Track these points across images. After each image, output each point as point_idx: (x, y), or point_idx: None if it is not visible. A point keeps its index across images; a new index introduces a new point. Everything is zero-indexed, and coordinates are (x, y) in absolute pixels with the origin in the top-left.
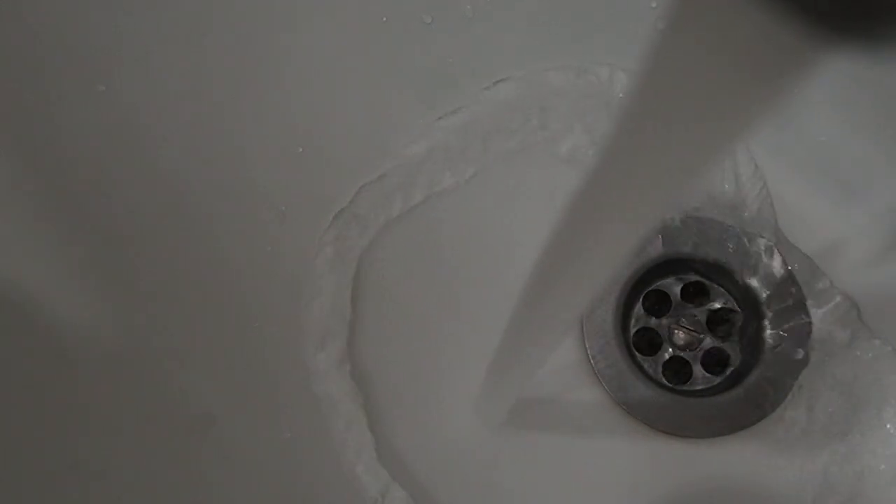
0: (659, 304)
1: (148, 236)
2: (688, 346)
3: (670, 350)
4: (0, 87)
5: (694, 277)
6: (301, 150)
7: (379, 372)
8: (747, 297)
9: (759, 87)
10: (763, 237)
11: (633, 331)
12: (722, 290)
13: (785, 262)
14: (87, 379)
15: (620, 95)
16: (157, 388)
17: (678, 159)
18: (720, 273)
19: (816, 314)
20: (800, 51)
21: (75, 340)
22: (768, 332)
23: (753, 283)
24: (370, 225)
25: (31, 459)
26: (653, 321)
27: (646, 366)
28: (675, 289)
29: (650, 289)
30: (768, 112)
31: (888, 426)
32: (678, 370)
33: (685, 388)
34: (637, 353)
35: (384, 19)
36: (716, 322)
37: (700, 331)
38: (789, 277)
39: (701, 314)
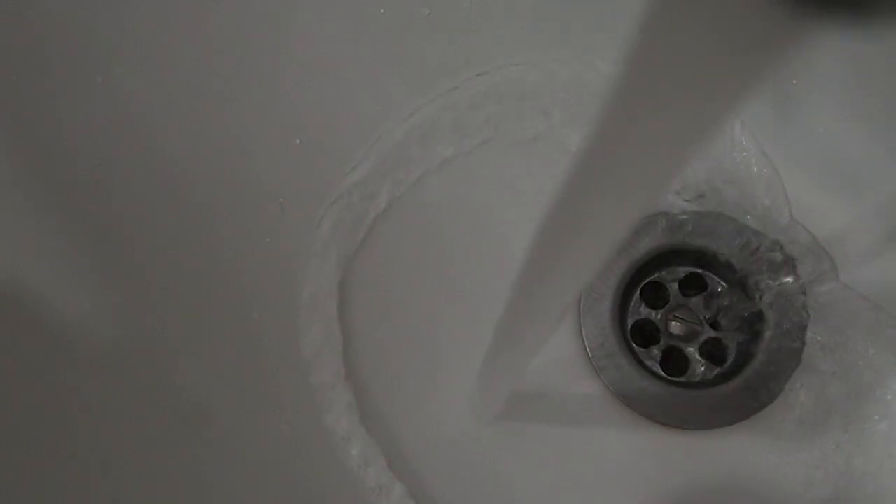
0: (657, 295)
1: (146, 229)
2: (686, 338)
3: (668, 341)
4: None
5: (692, 269)
6: (299, 141)
7: (376, 362)
8: (746, 289)
9: (747, 63)
10: (760, 227)
11: (630, 322)
12: (720, 281)
13: (784, 254)
14: (86, 372)
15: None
16: (156, 380)
17: (667, 141)
18: (718, 264)
19: (816, 304)
20: (788, 25)
21: (74, 333)
22: (767, 322)
23: (752, 274)
24: (366, 215)
25: (31, 452)
26: (651, 313)
27: (644, 357)
28: (673, 280)
29: (648, 280)
30: (757, 89)
31: (889, 414)
32: (676, 362)
33: (683, 379)
34: (635, 345)
35: (382, 11)
36: (714, 313)
37: (698, 322)
38: (789, 268)
39: (699, 306)
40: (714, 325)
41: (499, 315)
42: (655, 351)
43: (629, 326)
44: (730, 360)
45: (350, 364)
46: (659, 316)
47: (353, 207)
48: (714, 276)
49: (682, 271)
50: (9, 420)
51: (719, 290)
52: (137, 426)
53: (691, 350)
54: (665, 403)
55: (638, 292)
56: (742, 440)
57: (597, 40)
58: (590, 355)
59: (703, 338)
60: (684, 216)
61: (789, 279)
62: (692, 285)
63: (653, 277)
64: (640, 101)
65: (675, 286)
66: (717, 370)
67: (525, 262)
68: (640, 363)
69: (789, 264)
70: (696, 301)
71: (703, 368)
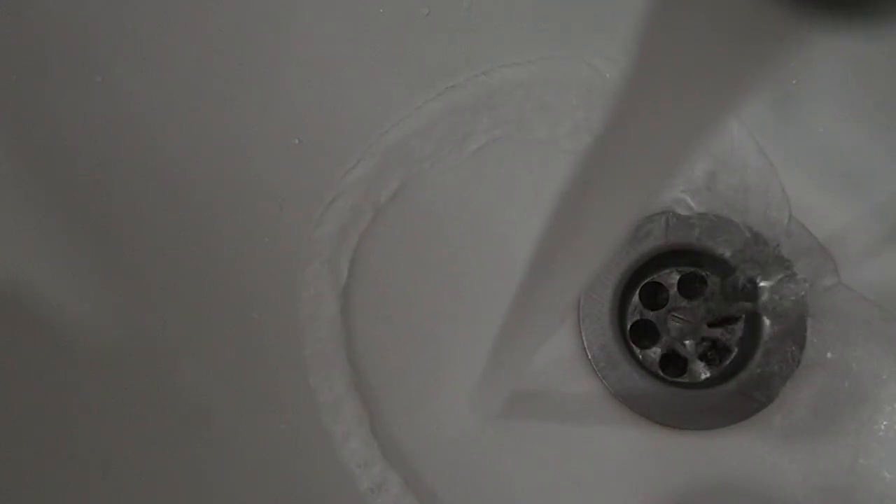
0: (656, 296)
1: (146, 229)
2: (685, 338)
3: (667, 342)
4: None
5: (691, 269)
6: (298, 141)
7: (376, 362)
8: (745, 289)
9: (747, 63)
10: (760, 227)
11: (629, 323)
12: (719, 281)
13: (784, 253)
14: (86, 372)
15: (613, 82)
16: (156, 380)
17: (667, 141)
18: (718, 265)
19: (815, 304)
20: (788, 25)
21: (74, 333)
22: (766, 322)
23: (751, 274)
24: (366, 215)
25: (31, 452)
26: (650, 313)
27: (643, 358)
28: (673, 281)
29: (647, 281)
30: (757, 89)
31: (888, 414)
32: (675, 362)
33: (682, 379)
34: (634, 345)
35: (381, 11)
36: (713, 313)
37: (697, 322)
38: (788, 268)
39: (698, 306)
40: (713, 325)
41: (500, 314)
42: (655, 351)
43: (628, 327)
44: (729, 360)
45: (350, 364)
46: (658, 316)
47: (353, 207)
48: (713, 277)
49: (682, 271)
50: (9, 420)
51: (718, 290)
52: (137, 426)
53: (690, 350)
54: (664, 403)
55: (637, 292)
56: (742, 440)
57: (597, 40)
58: (589, 356)
59: (702, 338)
60: (683, 216)
61: (789, 279)
62: (691, 285)
63: (652, 278)
64: (640, 101)
65: (674, 286)
66: (716, 370)
67: (528, 261)
68: (640, 363)
69: (789, 264)
70: (695, 301)
71: (702, 368)
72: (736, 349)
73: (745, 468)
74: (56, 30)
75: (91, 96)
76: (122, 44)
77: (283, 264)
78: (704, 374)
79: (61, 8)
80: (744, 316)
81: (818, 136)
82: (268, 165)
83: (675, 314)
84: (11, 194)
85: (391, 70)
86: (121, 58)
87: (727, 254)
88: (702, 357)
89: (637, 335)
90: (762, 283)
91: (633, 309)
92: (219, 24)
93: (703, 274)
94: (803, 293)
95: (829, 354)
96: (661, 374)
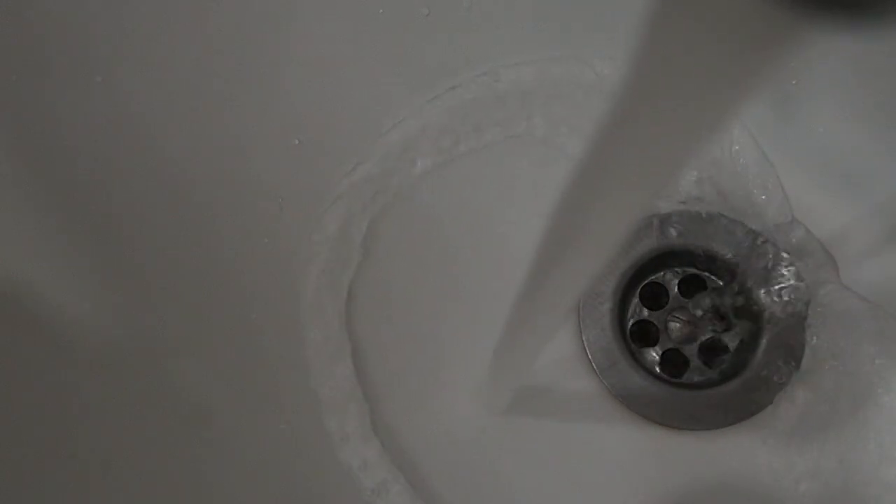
0: (656, 296)
1: (146, 229)
2: (685, 339)
3: (668, 342)
4: None
5: (692, 270)
6: (298, 141)
7: (377, 361)
8: (745, 289)
9: (747, 63)
10: (760, 227)
11: (630, 323)
12: (720, 282)
13: (784, 254)
14: (86, 372)
15: (614, 82)
16: (156, 380)
17: (668, 142)
18: (718, 265)
19: (815, 304)
20: (788, 25)
21: (74, 333)
22: (766, 323)
23: (751, 274)
24: (366, 215)
25: (31, 452)
26: (650, 314)
27: (642, 358)
28: (673, 281)
29: (648, 281)
30: (757, 89)
31: (888, 415)
32: (675, 362)
33: (682, 380)
34: (634, 346)
35: (381, 11)
36: (713, 314)
37: (697, 323)
38: (789, 269)
39: (698, 306)
40: (713, 325)
41: (500, 314)
42: (655, 352)
43: (629, 327)
44: (729, 360)
45: (350, 364)
46: (658, 317)
47: (353, 207)
48: (713, 277)
49: (682, 272)
50: (9, 420)
51: (719, 290)
52: (137, 426)
53: (691, 351)
54: (664, 404)
55: (637, 293)
56: (741, 440)
57: (597, 40)
58: (590, 356)
59: (702, 338)
60: (684, 217)
61: (788, 279)
62: (692, 286)
63: (652, 278)
64: (641, 102)
65: (674, 287)
66: (716, 371)
67: (531, 261)
68: (640, 364)
69: (789, 264)
70: (695, 302)
71: (702, 369)
72: (736, 349)
73: (745, 468)
74: (56, 30)
75: (91, 96)
76: (122, 44)
77: (283, 264)
78: (704, 375)
79: (61, 8)
80: (744, 316)
81: (818, 136)
82: (268, 165)
83: (676, 315)
84: (11, 194)
85: (391, 70)
86: (121, 58)
87: (728, 254)
88: (702, 357)
89: (637, 335)
90: (762, 284)
91: (634, 310)
92: (219, 24)
93: (704, 275)
94: (803, 293)
95: (828, 355)
96: (661, 374)
